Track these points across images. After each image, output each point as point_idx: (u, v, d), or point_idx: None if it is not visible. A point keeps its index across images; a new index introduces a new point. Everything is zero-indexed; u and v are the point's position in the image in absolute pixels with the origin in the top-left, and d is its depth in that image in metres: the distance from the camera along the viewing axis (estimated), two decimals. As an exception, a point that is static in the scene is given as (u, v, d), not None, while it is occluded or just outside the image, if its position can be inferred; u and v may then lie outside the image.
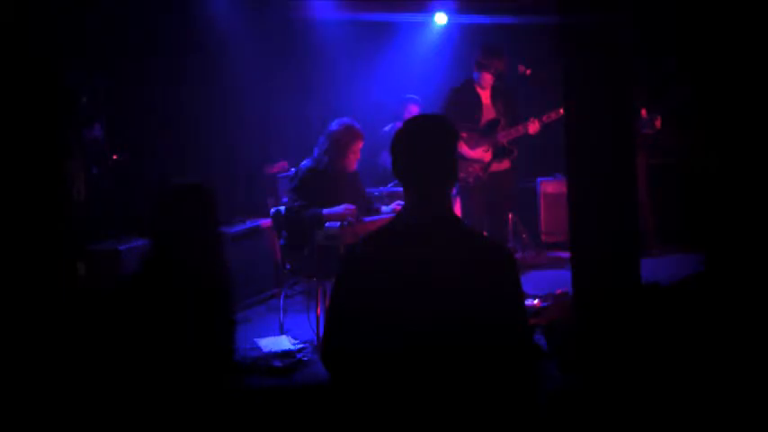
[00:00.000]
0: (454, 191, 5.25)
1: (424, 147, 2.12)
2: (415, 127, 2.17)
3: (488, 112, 5.75)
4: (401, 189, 6.09)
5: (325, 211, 4.45)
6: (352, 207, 4.45)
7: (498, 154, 5.70)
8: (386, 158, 6.53)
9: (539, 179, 7.23)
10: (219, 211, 2.40)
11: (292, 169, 6.05)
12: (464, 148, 5.58)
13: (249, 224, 5.87)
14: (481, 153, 5.67)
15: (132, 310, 2.29)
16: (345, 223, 4.28)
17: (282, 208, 4.83)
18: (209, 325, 2.32)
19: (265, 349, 4.27)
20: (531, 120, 5.62)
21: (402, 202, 4.82)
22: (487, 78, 5.68)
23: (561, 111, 5.43)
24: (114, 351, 2.29)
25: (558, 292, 5.08)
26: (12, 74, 3.59)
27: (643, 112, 6.28)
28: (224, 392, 2.39)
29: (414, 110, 6.74)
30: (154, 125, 6.13)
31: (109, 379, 2.29)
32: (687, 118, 6.27)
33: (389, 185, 6.03)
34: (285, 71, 7.01)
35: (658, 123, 6.25)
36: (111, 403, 2.28)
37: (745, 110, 3.80)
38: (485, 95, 5.75)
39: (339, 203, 4.47)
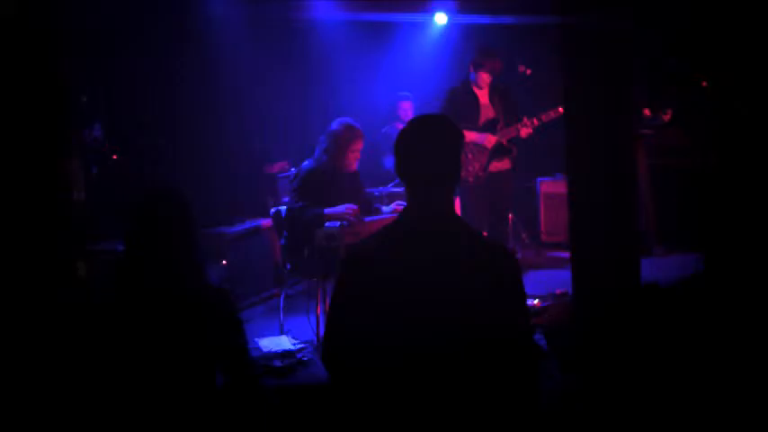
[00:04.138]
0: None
1: (427, 147, 2.11)
2: (417, 127, 2.17)
3: (487, 112, 5.76)
4: (401, 189, 6.11)
5: (327, 210, 4.44)
6: (354, 207, 4.45)
7: (498, 153, 5.71)
8: (385, 159, 6.53)
9: (539, 179, 7.23)
10: (193, 214, 2.42)
11: (292, 169, 6.06)
12: (471, 135, 5.57)
13: (249, 224, 5.86)
14: (485, 143, 5.66)
15: (122, 313, 2.30)
16: (345, 223, 4.28)
17: (283, 208, 4.82)
18: (202, 326, 2.32)
19: (265, 349, 4.27)
20: (525, 121, 5.63)
21: (402, 202, 4.83)
22: (485, 78, 5.70)
23: (560, 109, 5.43)
24: (111, 353, 2.29)
25: (558, 292, 5.08)
26: (12, 74, 3.59)
27: (646, 111, 6.28)
28: (240, 393, 2.41)
29: (406, 106, 6.75)
30: (154, 125, 6.13)
31: (108, 379, 2.29)
32: (689, 118, 6.27)
33: (389, 185, 6.03)
34: (285, 71, 7.00)
35: (668, 117, 6.23)
36: (110, 404, 2.28)
37: (749, 110, 3.81)
38: (482, 95, 5.77)
39: (340, 203, 4.47)
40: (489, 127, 5.71)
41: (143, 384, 2.27)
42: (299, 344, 4.38)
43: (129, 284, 2.33)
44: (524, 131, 5.64)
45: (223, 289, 2.48)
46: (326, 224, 4.34)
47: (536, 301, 4.80)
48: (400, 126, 2.26)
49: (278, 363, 4.09)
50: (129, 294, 2.32)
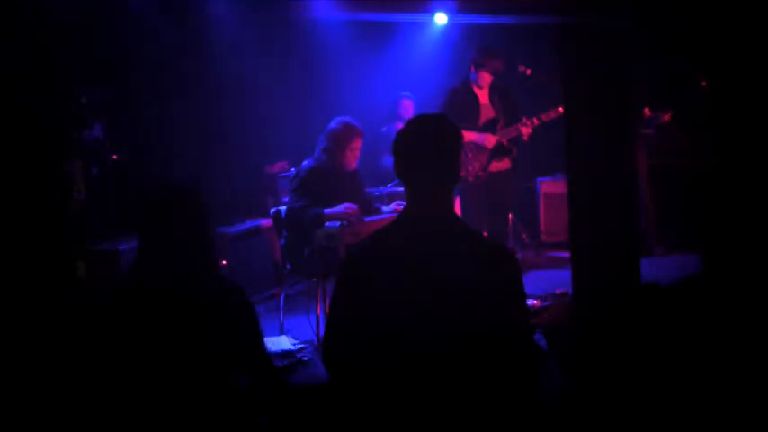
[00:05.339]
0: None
1: (426, 146, 2.11)
2: (416, 126, 2.17)
3: (487, 112, 5.76)
4: (401, 189, 6.10)
5: (327, 210, 4.45)
6: (354, 206, 4.45)
7: (498, 153, 5.71)
8: (385, 159, 6.53)
9: (539, 179, 7.23)
10: (210, 212, 2.41)
11: (292, 169, 6.06)
12: (471, 135, 5.57)
13: (249, 224, 5.86)
14: (486, 143, 5.65)
15: (130, 312, 2.29)
16: (345, 223, 4.28)
17: (283, 208, 4.82)
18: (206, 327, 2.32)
19: (265, 349, 4.27)
20: (525, 121, 5.62)
21: (402, 202, 4.83)
22: (486, 78, 5.70)
23: (560, 109, 5.43)
24: (117, 354, 2.28)
25: (558, 292, 5.08)
26: (12, 74, 3.59)
27: (646, 111, 6.28)
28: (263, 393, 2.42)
29: (408, 105, 6.75)
30: (154, 125, 6.12)
31: (113, 381, 2.28)
32: (689, 118, 6.27)
33: (389, 185, 6.03)
34: (285, 71, 7.00)
35: (668, 117, 6.24)
36: (113, 406, 2.27)
37: (751, 111, 3.80)
38: (482, 95, 5.76)
39: (340, 203, 4.48)
40: (489, 127, 5.71)
41: (149, 386, 2.25)
42: (299, 344, 4.38)
43: (141, 283, 2.32)
44: (525, 131, 5.63)
45: (237, 287, 2.48)
46: (326, 224, 4.34)
47: (536, 301, 4.80)
48: (400, 125, 2.26)
49: (278, 363, 4.09)
50: (139, 293, 2.30)
